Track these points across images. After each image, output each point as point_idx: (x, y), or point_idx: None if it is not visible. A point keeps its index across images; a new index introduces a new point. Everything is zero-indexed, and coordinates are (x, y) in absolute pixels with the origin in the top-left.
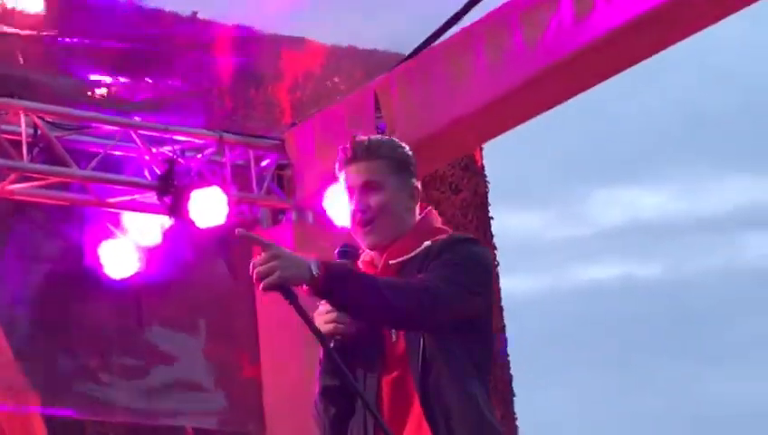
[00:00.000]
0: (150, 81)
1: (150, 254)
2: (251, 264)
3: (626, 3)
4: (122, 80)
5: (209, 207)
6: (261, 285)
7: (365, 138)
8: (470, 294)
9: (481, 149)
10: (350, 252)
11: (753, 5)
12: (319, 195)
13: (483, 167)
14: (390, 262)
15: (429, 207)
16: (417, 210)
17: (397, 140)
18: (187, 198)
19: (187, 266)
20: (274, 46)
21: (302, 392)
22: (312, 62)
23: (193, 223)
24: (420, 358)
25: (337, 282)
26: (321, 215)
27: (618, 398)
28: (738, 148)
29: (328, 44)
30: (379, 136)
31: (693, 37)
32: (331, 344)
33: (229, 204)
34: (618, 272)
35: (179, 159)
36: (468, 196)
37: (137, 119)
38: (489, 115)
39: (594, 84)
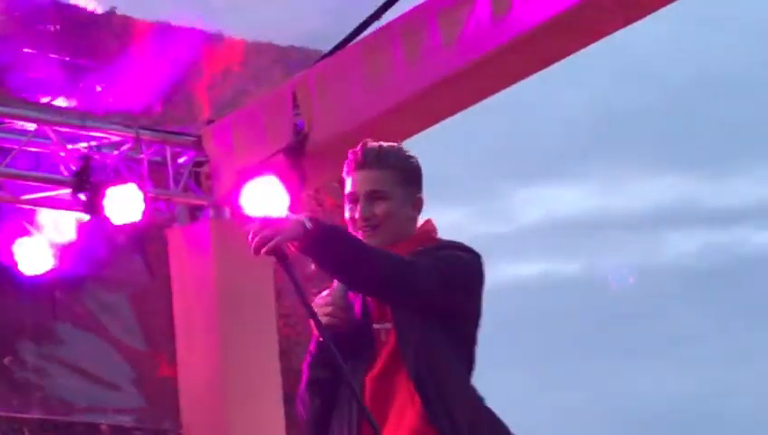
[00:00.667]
0: (67, 76)
1: (65, 251)
2: (247, 232)
3: (542, 3)
4: (38, 76)
5: (125, 203)
6: (263, 250)
7: (376, 145)
8: (450, 286)
9: None
10: None
11: (670, 6)
12: (237, 192)
13: None
14: None
15: (429, 218)
16: (419, 220)
17: (406, 149)
18: (103, 195)
19: (103, 264)
20: (193, 43)
21: (217, 391)
22: (230, 59)
23: (108, 220)
24: (414, 350)
25: (329, 235)
26: (239, 212)
27: (539, 394)
28: (658, 146)
29: (247, 41)
30: (390, 145)
31: (612, 36)
32: (326, 337)
33: (145, 201)
34: (538, 269)
35: (95, 156)
36: None
37: (53, 115)
38: (407, 113)
39: (512, 83)
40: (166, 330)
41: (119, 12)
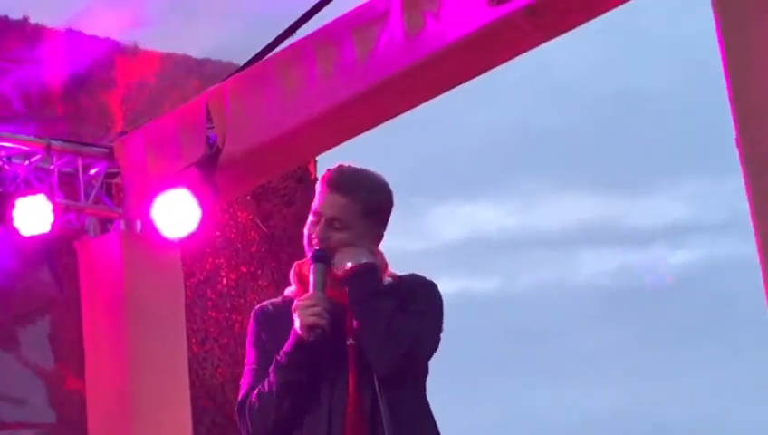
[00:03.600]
0: None
1: None
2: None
3: (456, 21)
4: None
5: (34, 214)
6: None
7: (351, 169)
8: (439, 339)
9: (315, 162)
10: (325, 256)
11: (589, 24)
12: (148, 204)
13: (317, 179)
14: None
15: (379, 250)
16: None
17: (381, 179)
18: (12, 206)
19: (10, 275)
20: (108, 54)
21: (125, 405)
22: (145, 71)
23: (17, 231)
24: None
25: (372, 278)
26: (150, 225)
27: (452, 412)
28: (576, 165)
29: (162, 53)
30: (367, 174)
31: (529, 55)
32: (311, 338)
33: (55, 212)
34: (456, 287)
35: (5, 166)
36: (302, 208)
37: None
38: (320, 128)
39: (425, 99)
40: (73, 343)
41: (32, 20)
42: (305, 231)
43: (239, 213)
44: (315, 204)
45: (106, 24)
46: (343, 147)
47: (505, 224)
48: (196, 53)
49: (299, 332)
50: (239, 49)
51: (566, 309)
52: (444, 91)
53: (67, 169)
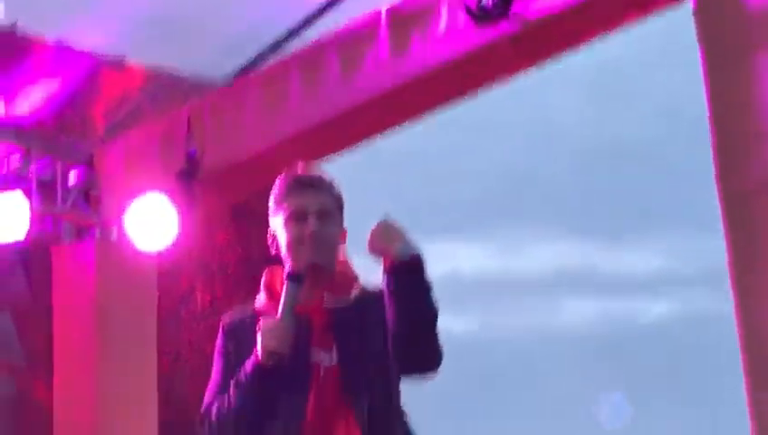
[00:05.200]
0: None
1: None
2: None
3: (441, 43)
4: None
5: (10, 217)
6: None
7: (312, 168)
8: None
9: None
10: (300, 277)
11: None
12: (125, 213)
13: None
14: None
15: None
16: None
17: None
18: None
19: None
20: (94, 66)
21: (92, 414)
22: (129, 85)
23: None
24: (362, 395)
25: (423, 272)
26: (125, 233)
27: None
28: (562, 211)
29: (146, 67)
30: (325, 173)
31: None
32: (270, 362)
33: (32, 216)
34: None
35: None
36: None
37: None
38: (301, 145)
39: (409, 121)
40: (43, 354)
41: (20, 28)
42: (284, 238)
43: (217, 234)
44: (291, 205)
45: (92, 38)
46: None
47: (488, 265)
48: (182, 68)
49: (258, 355)
50: (223, 66)
51: (544, 353)
52: (428, 112)
53: (45, 175)
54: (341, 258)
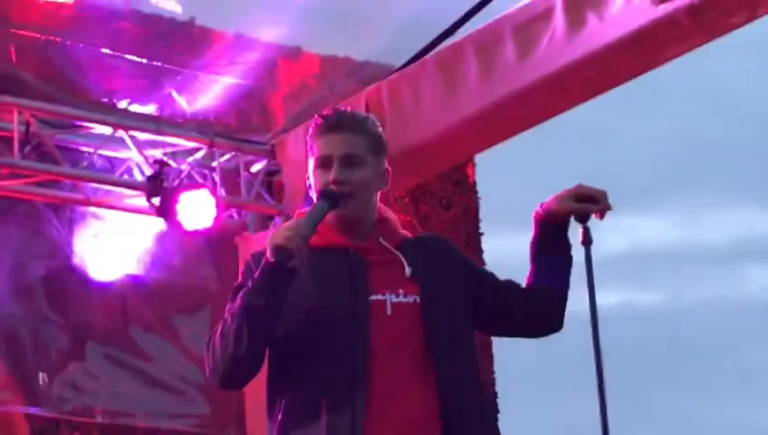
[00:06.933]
0: (145, 82)
1: (137, 255)
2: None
3: (618, 21)
4: (116, 79)
5: (197, 209)
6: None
7: (344, 109)
8: None
9: (473, 165)
10: (334, 197)
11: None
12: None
13: (475, 183)
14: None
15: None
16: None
17: (373, 119)
18: (176, 201)
19: (174, 269)
20: (270, 56)
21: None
22: (306, 73)
23: (181, 225)
24: (448, 346)
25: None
26: None
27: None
28: (741, 179)
29: (323, 55)
30: (359, 112)
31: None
32: (275, 258)
33: (218, 208)
34: (620, 298)
35: (170, 162)
36: (459, 212)
37: (129, 120)
38: (478, 127)
39: (585, 100)
40: None
41: (198, 22)
42: (310, 180)
43: (397, 215)
44: (317, 151)
45: (269, 29)
46: (500, 148)
47: (670, 237)
48: (355, 56)
49: (267, 253)
50: (398, 52)
51: (731, 324)
52: (604, 91)
53: (229, 166)
54: (376, 200)
